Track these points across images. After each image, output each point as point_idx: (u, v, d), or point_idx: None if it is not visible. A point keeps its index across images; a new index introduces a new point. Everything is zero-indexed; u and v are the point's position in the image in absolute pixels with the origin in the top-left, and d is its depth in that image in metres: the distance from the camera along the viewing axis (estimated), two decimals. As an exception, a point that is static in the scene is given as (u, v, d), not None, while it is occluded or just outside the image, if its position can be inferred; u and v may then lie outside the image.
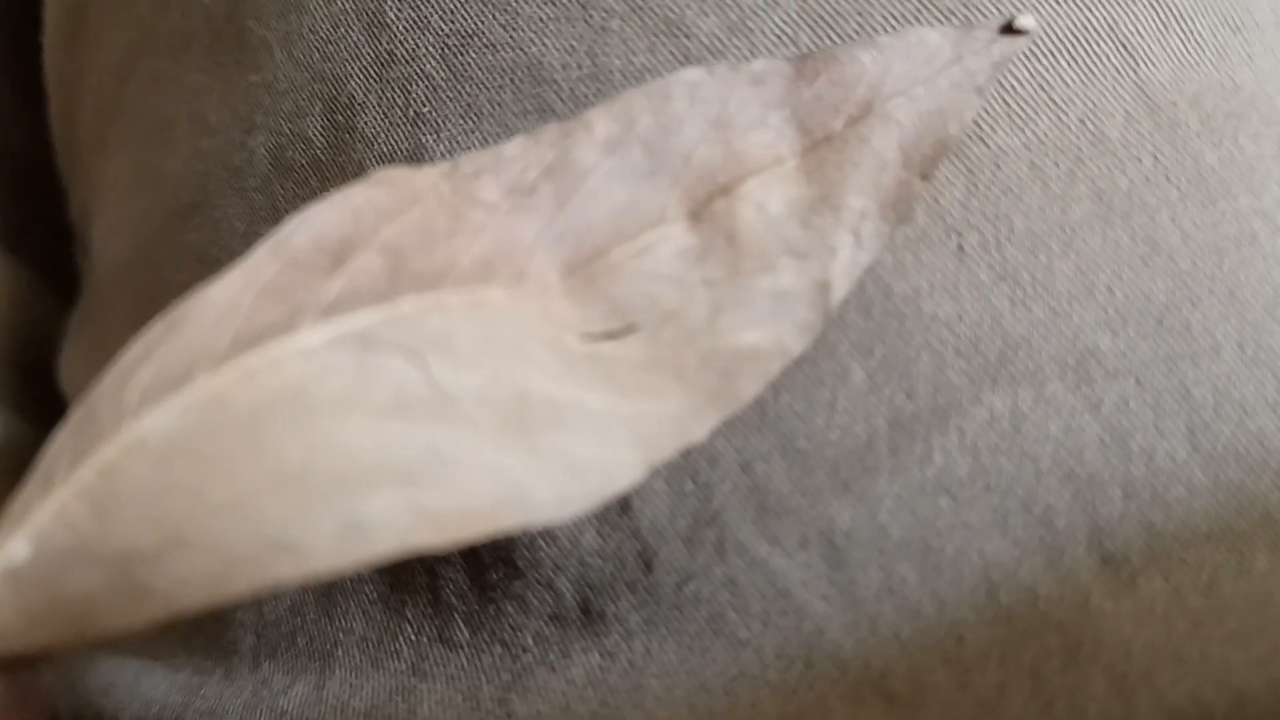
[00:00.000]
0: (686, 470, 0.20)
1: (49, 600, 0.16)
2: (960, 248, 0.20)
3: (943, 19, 0.21)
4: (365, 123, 0.23)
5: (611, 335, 0.19)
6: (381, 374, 0.17)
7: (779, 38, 0.21)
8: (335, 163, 0.23)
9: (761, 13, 0.21)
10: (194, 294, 0.17)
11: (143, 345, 0.17)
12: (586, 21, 0.22)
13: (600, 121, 0.20)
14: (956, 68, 0.20)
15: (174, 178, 0.26)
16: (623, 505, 0.20)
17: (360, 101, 0.23)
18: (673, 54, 0.21)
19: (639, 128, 0.20)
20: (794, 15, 0.21)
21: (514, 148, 0.20)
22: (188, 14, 0.26)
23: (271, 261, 0.17)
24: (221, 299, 0.17)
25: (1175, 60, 0.21)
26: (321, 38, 0.23)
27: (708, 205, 0.20)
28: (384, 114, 0.23)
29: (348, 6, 0.23)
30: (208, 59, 0.25)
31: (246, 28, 0.25)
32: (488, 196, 0.19)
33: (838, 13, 0.21)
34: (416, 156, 0.22)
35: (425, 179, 0.19)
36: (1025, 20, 0.21)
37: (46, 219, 0.35)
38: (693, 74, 0.20)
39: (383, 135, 0.22)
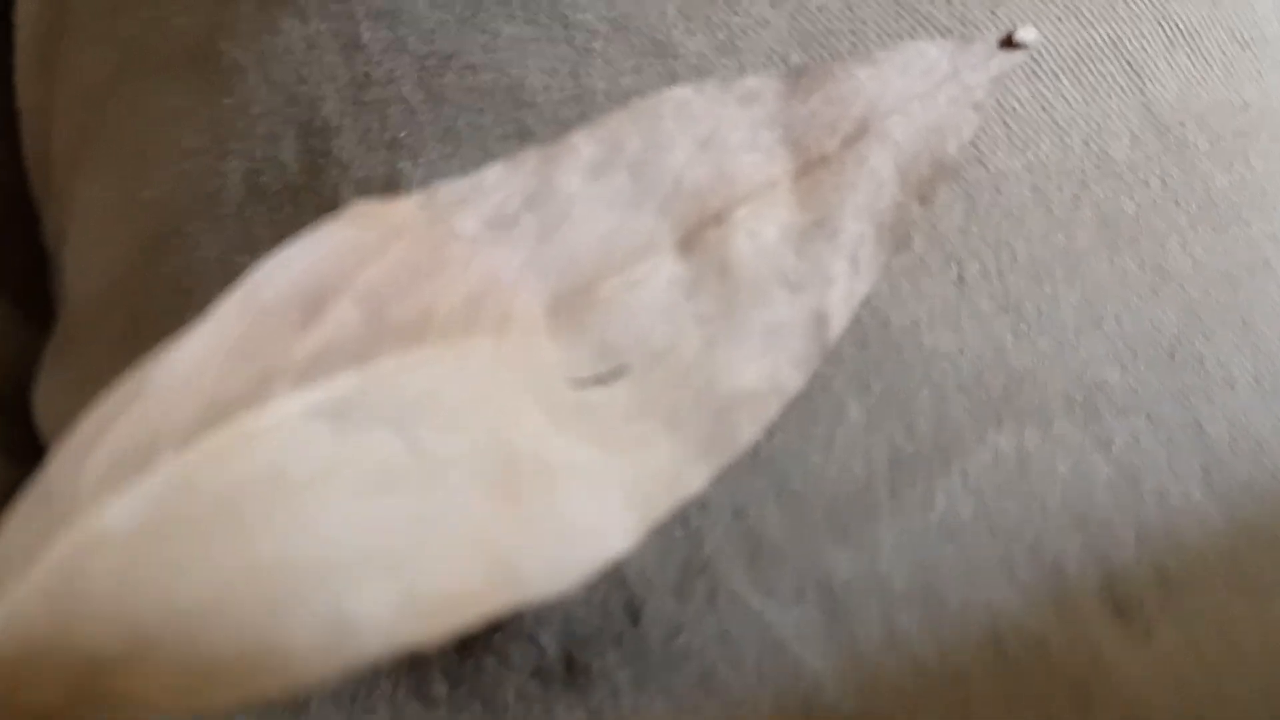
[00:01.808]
0: (675, 516, 0.19)
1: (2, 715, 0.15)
2: (960, 277, 0.20)
3: (939, 33, 0.21)
4: (341, 147, 0.22)
5: (601, 379, 0.18)
6: (363, 445, 0.16)
7: (769, 57, 0.21)
8: (310, 188, 0.22)
9: (751, 31, 0.21)
10: (156, 358, 0.16)
11: (101, 417, 0.16)
12: (569, 42, 0.21)
13: (584, 145, 0.19)
14: (954, 83, 0.20)
15: (149, 204, 0.25)
16: None
17: (335, 125, 0.22)
18: (659, 75, 0.21)
19: (626, 151, 0.19)
20: (784, 33, 0.21)
21: (494, 176, 0.19)
22: (166, 36, 0.26)
23: (239, 318, 0.17)
24: (186, 364, 0.16)
25: (1182, 78, 0.21)
26: (296, 59, 0.23)
27: (699, 234, 0.19)
28: (360, 138, 0.22)
29: (322, 27, 0.23)
30: (184, 82, 0.25)
31: (221, 50, 0.24)
32: (468, 229, 0.19)
33: (830, 30, 0.21)
34: (393, 183, 0.22)
35: (402, 212, 0.18)
36: (1025, 33, 0.20)
37: (20, 244, 0.34)
38: (681, 93, 0.20)
39: (359, 161, 0.22)
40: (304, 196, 0.23)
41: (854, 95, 0.20)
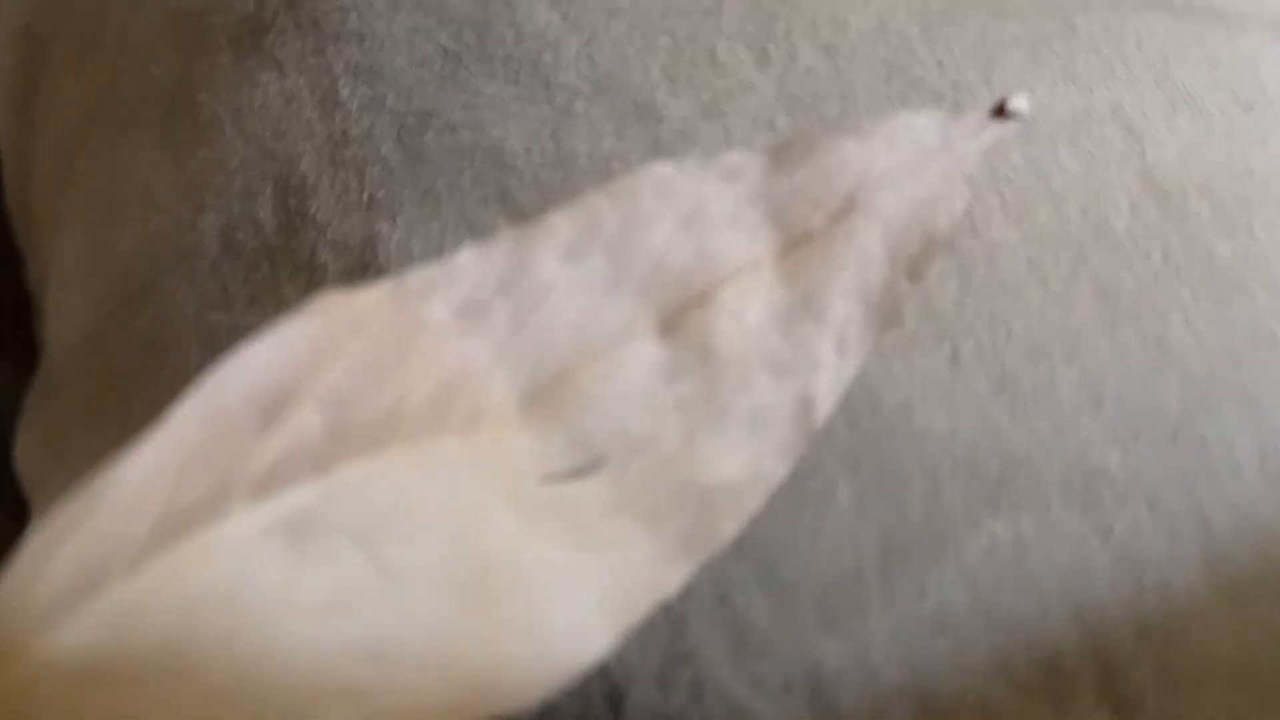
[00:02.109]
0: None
1: None
2: (954, 354, 0.20)
3: (931, 97, 0.21)
4: (317, 207, 0.22)
5: (577, 472, 0.18)
6: (324, 563, 0.16)
7: (756, 122, 0.21)
8: (287, 248, 0.22)
9: (737, 95, 0.21)
10: (109, 469, 0.16)
11: (52, 533, 0.16)
12: (550, 103, 0.21)
13: (561, 226, 0.19)
14: (945, 155, 0.20)
15: (124, 257, 0.25)
16: None
17: (313, 184, 0.22)
18: (641, 139, 0.21)
19: (603, 231, 0.19)
20: (771, 97, 0.21)
21: (466, 259, 0.19)
22: (138, 86, 0.26)
23: (195, 425, 0.16)
24: (138, 477, 0.16)
25: (1184, 143, 0.21)
26: (273, 114, 0.23)
27: (680, 316, 0.19)
28: (337, 198, 0.22)
29: (300, 82, 0.23)
30: (159, 133, 0.25)
31: (198, 101, 0.24)
32: (437, 317, 0.18)
33: (818, 94, 0.21)
34: (370, 245, 0.22)
35: (367, 303, 0.18)
36: (1018, 102, 0.20)
37: (2, 285, 0.35)
38: (661, 170, 0.20)
39: (335, 221, 0.22)
40: (280, 256, 0.22)
41: (840, 169, 0.19)
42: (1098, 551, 0.19)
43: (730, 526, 0.18)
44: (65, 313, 0.27)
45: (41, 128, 0.29)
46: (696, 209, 0.19)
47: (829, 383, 0.18)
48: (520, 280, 0.19)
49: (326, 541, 0.16)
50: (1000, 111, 0.20)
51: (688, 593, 0.19)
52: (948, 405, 0.19)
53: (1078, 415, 0.19)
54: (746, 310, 0.19)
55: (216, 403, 0.16)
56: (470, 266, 0.19)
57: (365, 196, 0.22)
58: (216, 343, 0.23)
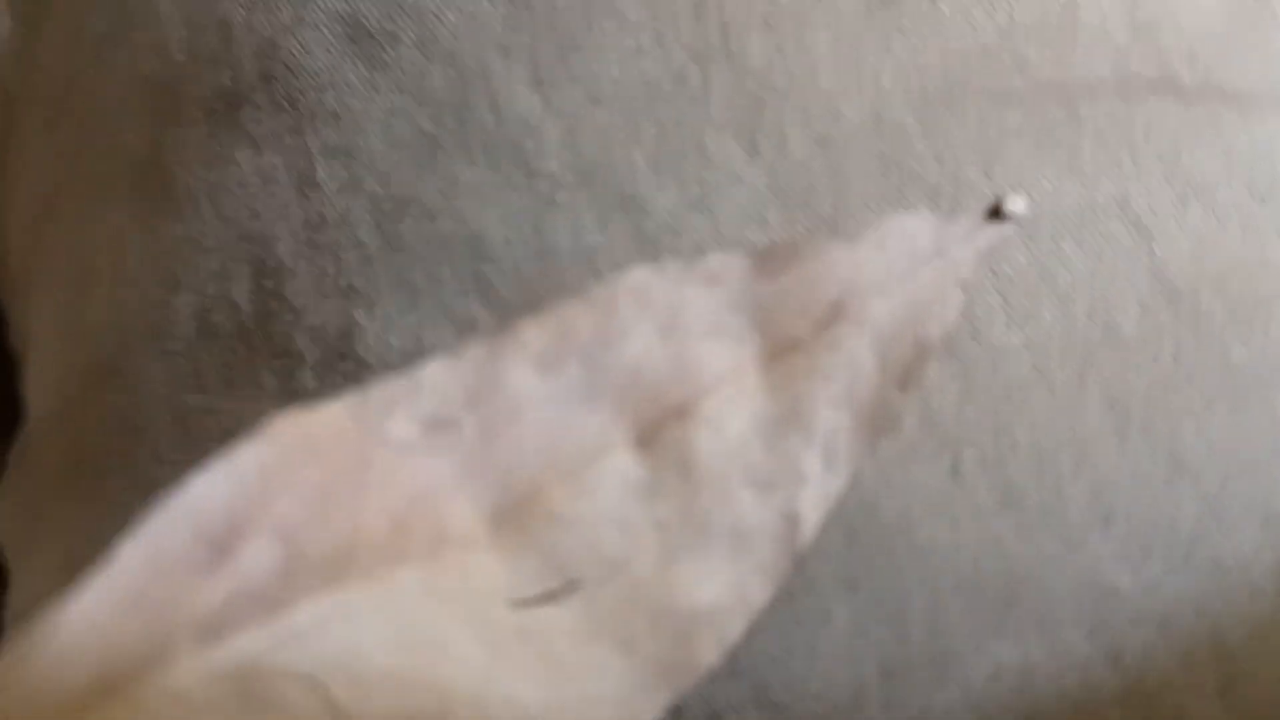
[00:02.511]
0: None
1: None
2: (956, 465, 0.20)
3: (928, 194, 0.21)
4: (294, 292, 0.22)
5: (548, 597, 0.18)
6: (273, 713, 0.16)
7: (745, 216, 0.21)
8: (263, 331, 0.22)
9: (725, 187, 0.21)
10: (46, 615, 0.16)
11: None
12: (531, 191, 0.21)
13: (534, 335, 0.19)
14: (938, 260, 0.20)
15: (95, 329, 0.25)
16: None
17: (289, 267, 0.22)
18: (626, 232, 0.21)
19: (578, 340, 0.19)
20: (762, 191, 0.21)
21: (433, 372, 0.19)
22: (109, 152, 0.26)
23: (140, 564, 0.16)
24: (79, 622, 0.15)
25: (1195, 238, 0.21)
26: (249, 193, 0.23)
27: (658, 430, 0.19)
28: (314, 283, 0.22)
29: (277, 161, 0.23)
30: (130, 203, 0.25)
31: (172, 174, 0.24)
32: (401, 434, 0.18)
33: (810, 188, 0.21)
34: (348, 334, 0.21)
35: (326, 422, 0.18)
36: (1014, 204, 0.20)
37: None
38: (639, 275, 0.20)
39: (312, 306, 0.22)
40: (257, 340, 0.22)
41: (828, 274, 0.19)
42: (1108, 678, 0.19)
43: (709, 654, 0.18)
44: (41, 379, 0.27)
45: (14, 189, 0.29)
46: (676, 316, 0.19)
47: (815, 498, 0.18)
48: (490, 393, 0.19)
49: (277, 688, 0.16)
50: (996, 213, 0.20)
51: (679, 714, 0.19)
52: (950, 519, 0.19)
53: (1086, 532, 0.19)
54: (728, 422, 0.19)
55: (162, 540, 0.16)
56: (438, 379, 0.19)
57: (343, 283, 0.22)
58: (190, 425, 0.23)
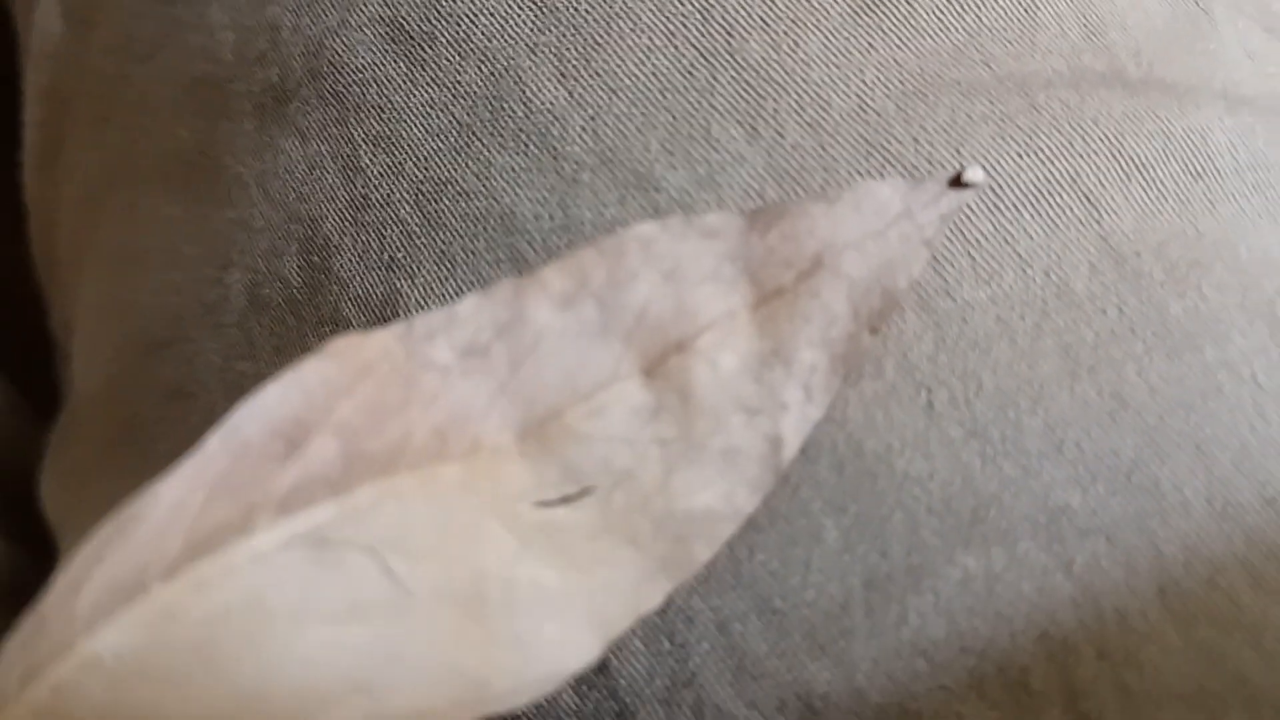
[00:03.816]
0: (663, 629, 0.20)
1: None
2: (930, 404, 0.20)
3: (906, 171, 0.21)
4: (340, 265, 0.23)
5: (566, 500, 0.19)
6: (338, 575, 0.17)
7: (747, 192, 0.21)
8: (311, 302, 0.23)
9: (729, 167, 0.22)
10: (145, 491, 0.17)
11: (94, 548, 0.17)
12: (558, 173, 0.22)
13: (554, 278, 0.20)
14: (906, 221, 0.21)
15: (146, 310, 0.26)
16: (601, 665, 0.20)
17: (336, 244, 0.23)
18: (642, 207, 0.22)
19: (592, 284, 0.20)
20: (761, 170, 0.22)
21: (468, 307, 0.20)
22: (159, 146, 0.26)
23: (223, 452, 0.17)
24: (173, 496, 0.17)
25: (1138, 210, 0.22)
26: (297, 178, 0.24)
27: (661, 362, 0.20)
28: (359, 257, 0.23)
29: (323, 149, 0.24)
30: (180, 192, 0.26)
31: (222, 164, 0.25)
32: (441, 359, 0.19)
33: (803, 167, 0.21)
34: (391, 302, 0.22)
35: (377, 346, 0.19)
36: (973, 174, 0.21)
37: (25, 333, 0.35)
38: (646, 229, 0.21)
39: (357, 278, 0.23)
40: (305, 310, 0.23)
41: (809, 232, 0.20)
42: (1061, 582, 0.20)
43: (705, 552, 0.19)
44: (88, 359, 0.28)
45: (65, 182, 0.29)
46: (678, 264, 0.20)
47: (796, 424, 0.20)
48: (517, 326, 0.20)
49: (342, 555, 0.17)
50: (957, 182, 0.21)
51: (690, 622, 0.20)
52: (924, 451, 0.20)
53: (1042, 460, 0.20)
54: (722, 357, 0.20)
55: (241, 434, 0.17)
56: (472, 313, 0.20)
57: (386, 257, 0.22)
58: (243, 390, 0.23)
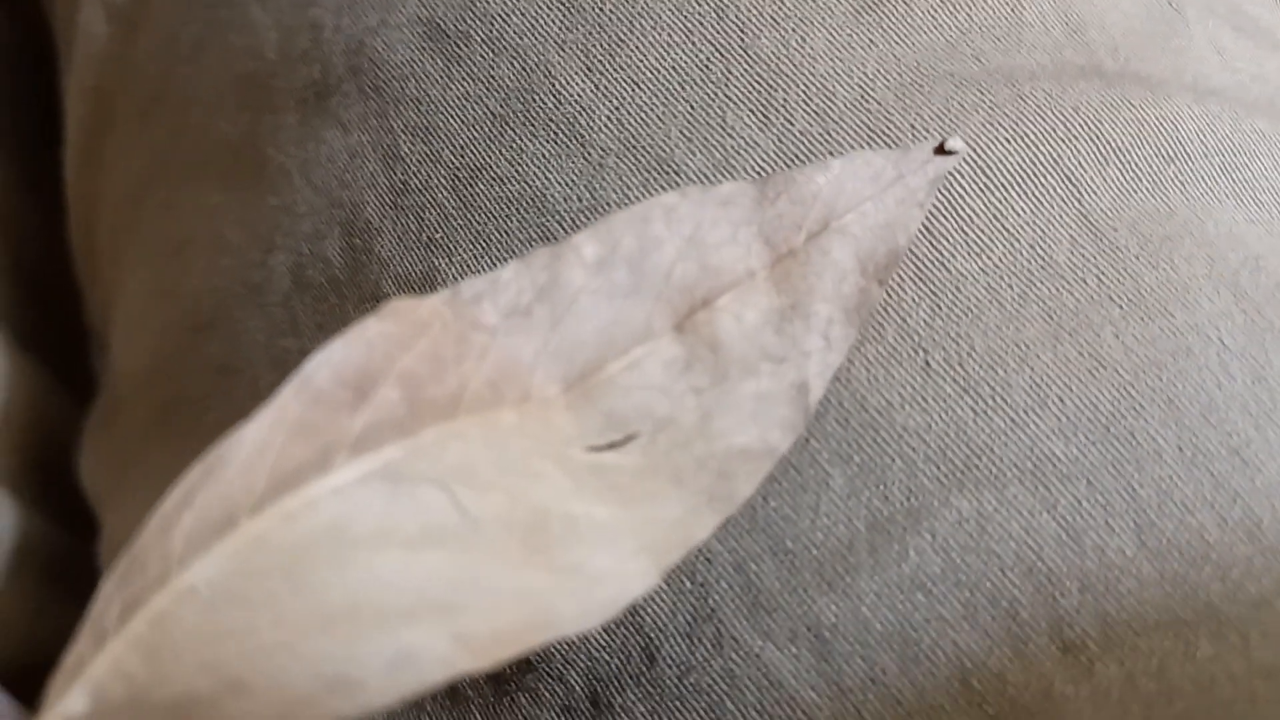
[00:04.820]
0: (685, 570, 0.21)
1: None
2: (927, 364, 0.21)
3: None
4: (381, 246, 0.24)
5: (612, 445, 0.20)
6: (412, 505, 0.18)
7: (759, 174, 0.23)
8: (353, 282, 0.24)
9: (743, 152, 0.23)
10: (228, 436, 0.18)
11: (183, 490, 0.18)
12: (585, 159, 0.23)
13: (587, 244, 0.21)
14: (900, 185, 0.22)
15: (192, 293, 0.27)
16: None
17: (376, 226, 0.24)
18: (664, 188, 0.22)
19: (622, 248, 0.21)
20: (772, 154, 0.23)
21: (509, 272, 0.21)
22: (203, 139, 0.27)
23: (298, 400, 0.18)
24: (254, 440, 0.18)
25: (1115, 190, 0.23)
26: (339, 167, 0.25)
27: (689, 318, 0.21)
28: (399, 238, 0.24)
29: (364, 139, 0.25)
30: (224, 182, 0.27)
31: (266, 154, 0.26)
32: (487, 320, 0.20)
33: (811, 152, 0.23)
34: (430, 278, 0.23)
35: (429, 307, 0.20)
36: (954, 142, 0.22)
37: (60, 321, 0.36)
38: (668, 198, 0.22)
39: (398, 258, 0.24)
40: (347, 289, 0.24)
41: (814, 198, 0.22)
42: (1047, 522, 0.21)
43: (747, 486, 0.20)
44: (131, 342, 0.29)
45: (108, 176, 0.30)
46: (699, 229, 0.21)
47: (819, 370, 0.21)
48: (555, 289, 0.21)
49: (414, 487, 0.18)
50: (941, 150, 0.22)
51: (710, 562, 0.21)
52: (922, 406, 0.21)
53: (1028, 413, 0.21)
54: (745, 313, 0.21)
55: (312, 384, 0.19)
56: (512, 277, 0.21)
57: (425, 237, 0.23)
58: (287, 365, 0.24)
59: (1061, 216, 0.22)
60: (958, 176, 0.23)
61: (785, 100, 0.23)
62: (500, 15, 0.24)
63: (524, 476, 0.19)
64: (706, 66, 0.23)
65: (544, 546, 0.18)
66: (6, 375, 0.34)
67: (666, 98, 0.23)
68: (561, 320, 0.21)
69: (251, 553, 0.17)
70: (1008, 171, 0.22)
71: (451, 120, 0.24)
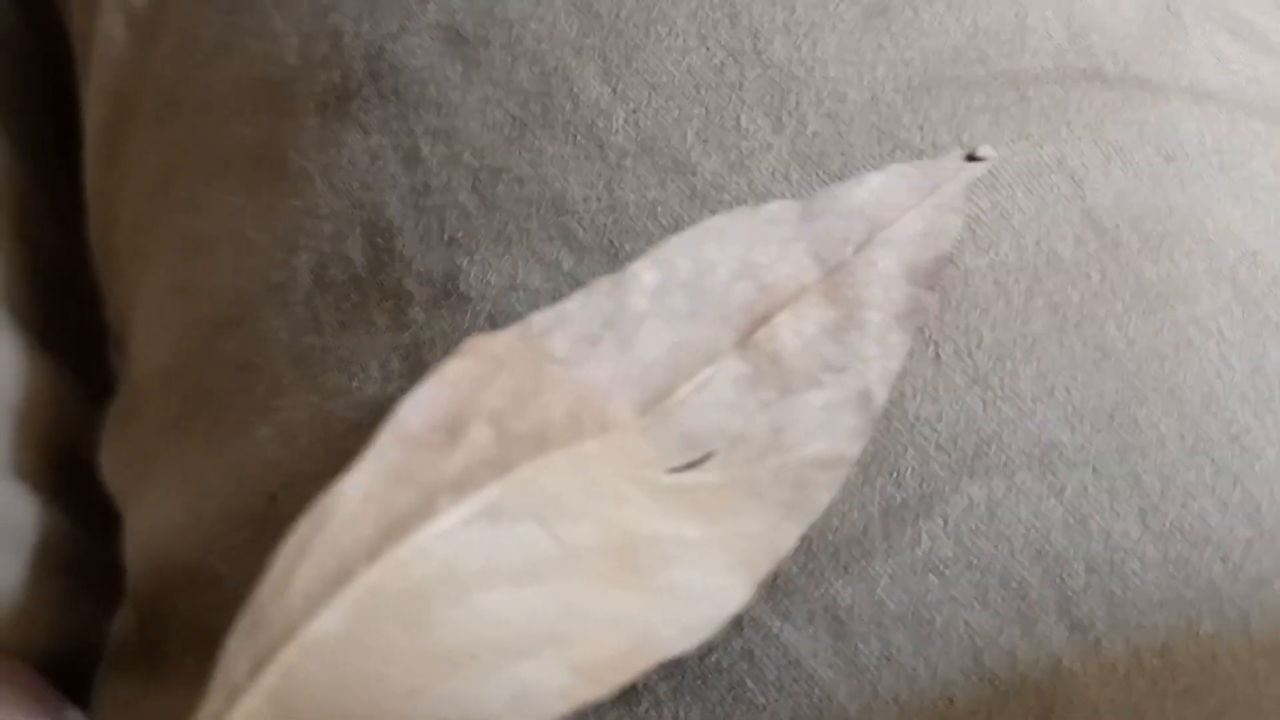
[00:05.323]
0: None
1: None
2: (937, 356, 0.22)
3: (914, 155, 0.23)
4: (403, 245, 0.24)
5: (690, 465, 0.20)
6: (513, 541, 0.18)
7: (774, 175, 0.23)
8: (375, 280, 0.24)
9: (758, 154, 0.23)
10: (331, 489, 0.18)
11: (295, 544, 0.18)
12: (604, 160, 0.23)
13: (646, 271, 0.21)
14: (936, 194, 0.22)
15: (213, 291, 0.27)
16: None
17: (398, 226, 0.24)
18: (680, 189, 0.23)
19: (679, 273, 0.21)
20: (785, 155, 0.23)
21: (574, 303, 0.21)
22: (222, 142, 0.27)
23: (395, 446, 0.19)
24: (358, 490, 0.18)
25: (1117, 188, 0.23)
26: (360, 169, 0.25)
27: (750, 335, 0.21)
28: (421, 238, 0.24)
29: (384, 142, 0.25)
30: (245, 183, 0.27)
31: (286, 157, 0.26)
32: (559, 351, 0.21)
33: (823, 153, 0.23)
34: (452, 276, 0.23)
35: (503, 343, 0.20)
36: (985, 150, 0.23)
37: (78, 320, 0.36)
38: (717, 221, 0.22)
39: (419, 257, 0.24)
40: (369, 287, 0.24)
41: (857, 212, 0.22)
42: (1054, 507, 0.21)
43: (825, 495, 0.20)
44: (152, 340, 0.29)
45: (127, 177, 0.30)
46: (750, 250, 0.22)
47: (879, 376, 0.21)
48: (620, 317, 0.21)
49: (513, 525, 0.18)
50: (971, 158, 0.22)
51: None
52: (933, 396, 0.21)
53: (1035, 403, 0.21)
54: (803, 326, 0.21)
55: (406, 429, 0.19)
56: (578, 308, 0.21)
57: (446, 236, 0.23)
58: (309, 362, 0.24)
59: (1065, 214, 0.22)
60: (964, 176, 0.23)
61: (798, 103, 0.23)
62: (518, 21, 0.24)
63: (611, 503, 0.19)
64: (721, 71, 0.23)
65: (639, 570, 0.19)
66: (27, 374, 0.34)
67: (682, 101, 0.23)
68: (629, 347, 0.21)
69: (369, 601, 0.18)
70: (1013, 171, 0.23)
71: (472, 123, 0.24)
